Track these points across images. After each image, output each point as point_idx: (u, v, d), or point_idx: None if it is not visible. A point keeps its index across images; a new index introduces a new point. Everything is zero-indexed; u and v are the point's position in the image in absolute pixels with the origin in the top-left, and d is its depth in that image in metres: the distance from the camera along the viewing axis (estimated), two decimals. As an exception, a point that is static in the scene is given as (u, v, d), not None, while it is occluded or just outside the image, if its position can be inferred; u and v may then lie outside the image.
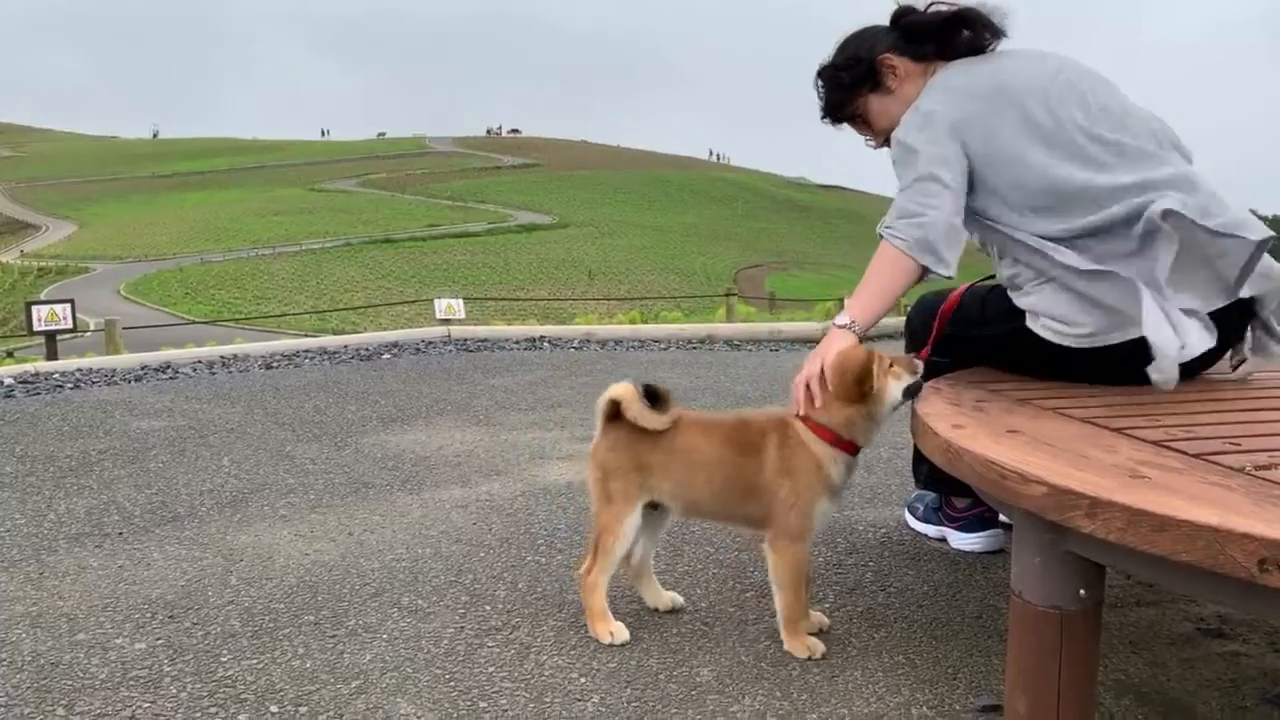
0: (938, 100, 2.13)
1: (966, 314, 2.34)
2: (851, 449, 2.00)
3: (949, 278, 2.11)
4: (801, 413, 2.01)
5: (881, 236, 2.12)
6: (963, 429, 1.73)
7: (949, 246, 2.07)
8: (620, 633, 2.08)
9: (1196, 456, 1.54)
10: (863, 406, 1.96)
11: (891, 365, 1.98)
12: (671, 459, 2.06)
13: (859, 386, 1.95)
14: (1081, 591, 1.53)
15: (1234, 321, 2.10)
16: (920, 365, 2.02)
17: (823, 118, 2.48)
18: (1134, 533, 1.30)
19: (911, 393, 2.00)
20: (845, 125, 2.47)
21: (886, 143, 2.28)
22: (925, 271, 2.08)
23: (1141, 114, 2.15)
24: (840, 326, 2.10)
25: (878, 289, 2.10)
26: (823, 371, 2.00)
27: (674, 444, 2.06)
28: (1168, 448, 1.60)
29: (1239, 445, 1.60)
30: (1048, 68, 2.14)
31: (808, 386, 2.01)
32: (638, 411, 2.03)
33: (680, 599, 2.26)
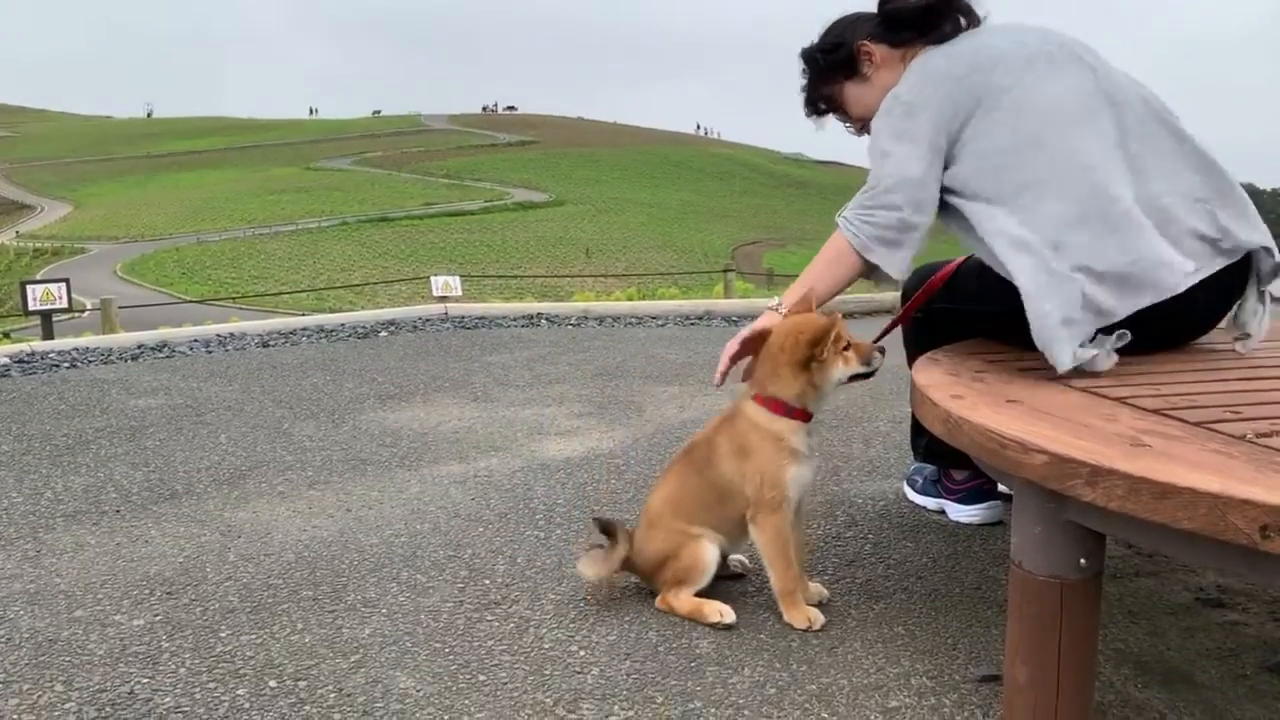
0: (918, 88, 2.11)
1: (964, 288, 2.33)
2: (803, 416, 2.02)
3: (896, 279, 2.13)
4: (717, 382, 2.08)
5: (838, 225, 2.12)
6: (962, 399, 1.72)
7: (904, 249, 2.08)
8: (728, 613, 2.05)
9: (1197, 424, 1.54)
10: (807, 374, 1.97)
11: (848, 346, 1.99)
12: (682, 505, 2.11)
13: (810, 349, 1.96)
14: (1082, 561, 1.53)
15: (1235, 283, 2.09)
16: (878, 359, 2.01)
17: (805, 110, 2.49)
18: (1135, 501, 1.30)
19: (858, 378, 2.02)
20: (828, 119, 2.48)
21: (866, 130, 2.27)
22: (872, 270, 2.10)
23: (1126, 82, 2.12)
24: (771, 309, 2.13)
25: (815, 276, 2.11)
26: (745, 343, 2.08)
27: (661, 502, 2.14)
28: (1168, 416, 1.59)
29: (1239, 413, 1.60)
30: (1029, 41, 2.11)
31: (730, 359, 2.08)
32: (600, 564, 2.10)
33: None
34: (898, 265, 2.11)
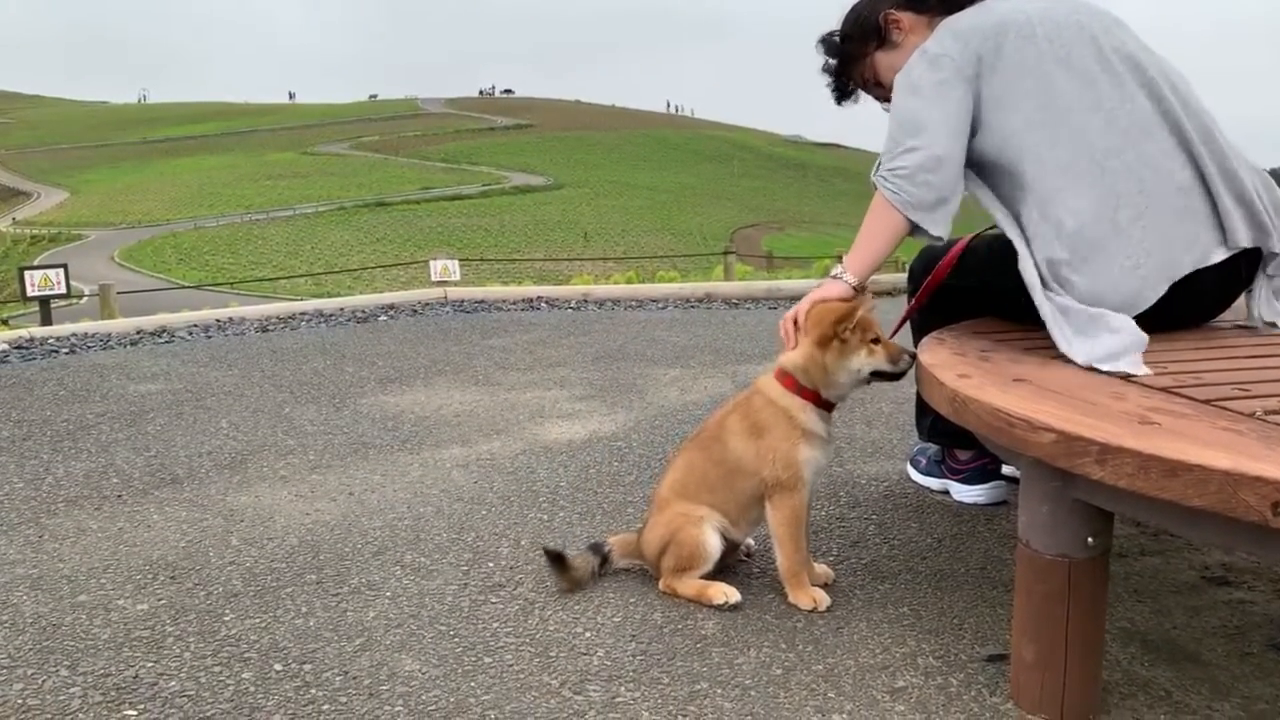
0: (945, 43, 2.09)
1: (974, 264, 2.32)
2: (813, 398, 1.99)
3: (938, 239, 2.09)
4: (790, 345, 2.03)
5: (875, 186, 2.10)
6: (969, 378, 1.71)
7: (943, 207, 2.04)
8: (733, 594, 2.03)
9: (1206, 402, 1.53)
10: (823, 351, 1.95)
11: (877, 340, 1.96)
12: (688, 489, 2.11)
13: (833, 327, 1.94)
14: (1090, 540, 1.52)
15: (1240, 273, 2.08)
16: (906, 362, 1.97)
17: (835, 95, 2.48)
18: (1145, 478, 1.29)
19: (881, 377, 1.99)
20: (858, 100, 2.47)
21: None
22: (915, 228, 2.06)
23: (1154, 61, 2.10)
24: (834, 276, 2.11)
25: (866, 239, 2.10)
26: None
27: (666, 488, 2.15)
28: (1177, 394, 1.59)
29: (1248, 390, 1.59)
30: (1059, 10, 2.10)
31: (794, 323, 2.04)
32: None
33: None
34: (940, 226, 2.05)
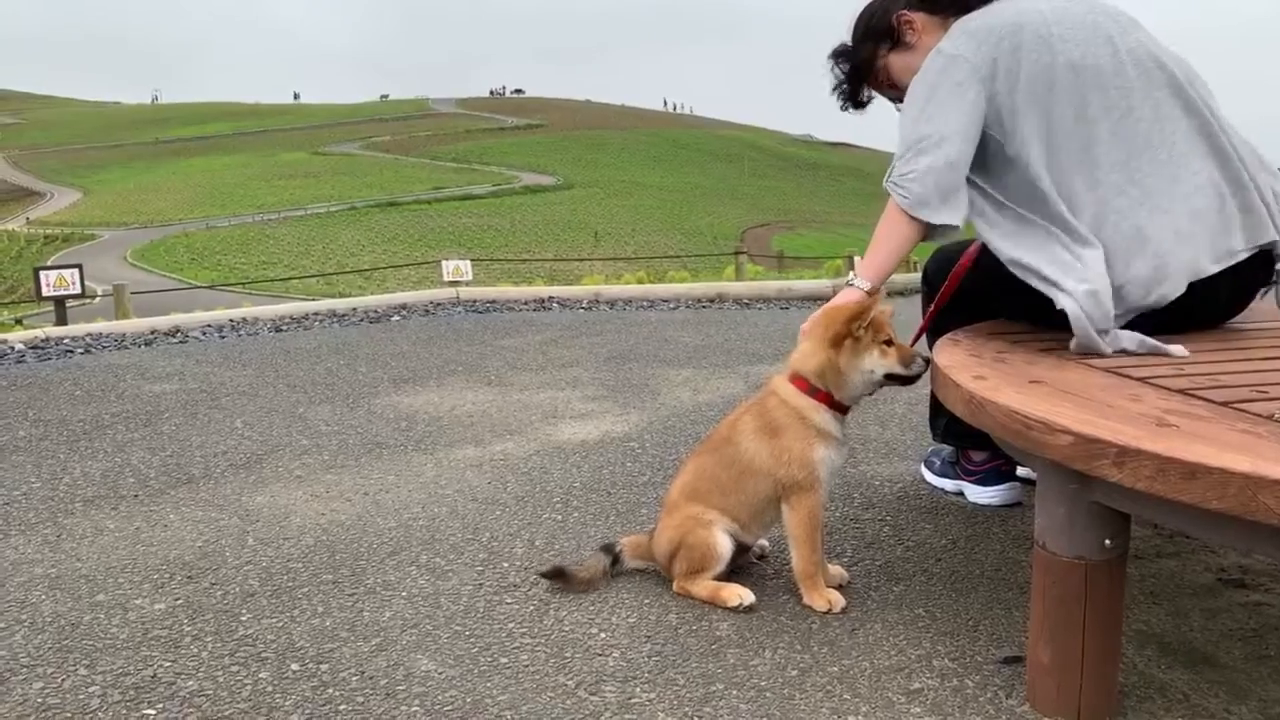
0: (961, 44, 2.09)
1: (989, 265, 2.31)
2: (826, 400, 1.99)
3: (956, 226, 2.09)
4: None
5: (888, 192, 2.11)
6: (985, 380, 1.71)
7: (953, 202, 2.05)
8: (748, 596, 2.03)
9: (1223, 404, 1.53)
10: (836, 351, 1.95)
11: (889, 341, 1.96)
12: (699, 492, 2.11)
13: (846, 325, 1.94)
14: (1107, 542, 1.52)
15: (1257, 273, 2.08)
16: (919, 365, 1.97)
17: (843, 103, 2.47)
18: (1163, 481, 1.29)
19: (894, 380, 1.98)
20: (867, 106, 2.47)
21: None
22: (930, 230, 2.07)
23: (1172, 61, 2.09)
24: (849, 284, 2.13)
25: (877, 246, 2.11)
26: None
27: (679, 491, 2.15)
28: (1194, 396, 1.58)
29: (1266, 393, 1.58)
30: (1076, 9, 2.09)
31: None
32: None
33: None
34: (953, 217, 2.06)
